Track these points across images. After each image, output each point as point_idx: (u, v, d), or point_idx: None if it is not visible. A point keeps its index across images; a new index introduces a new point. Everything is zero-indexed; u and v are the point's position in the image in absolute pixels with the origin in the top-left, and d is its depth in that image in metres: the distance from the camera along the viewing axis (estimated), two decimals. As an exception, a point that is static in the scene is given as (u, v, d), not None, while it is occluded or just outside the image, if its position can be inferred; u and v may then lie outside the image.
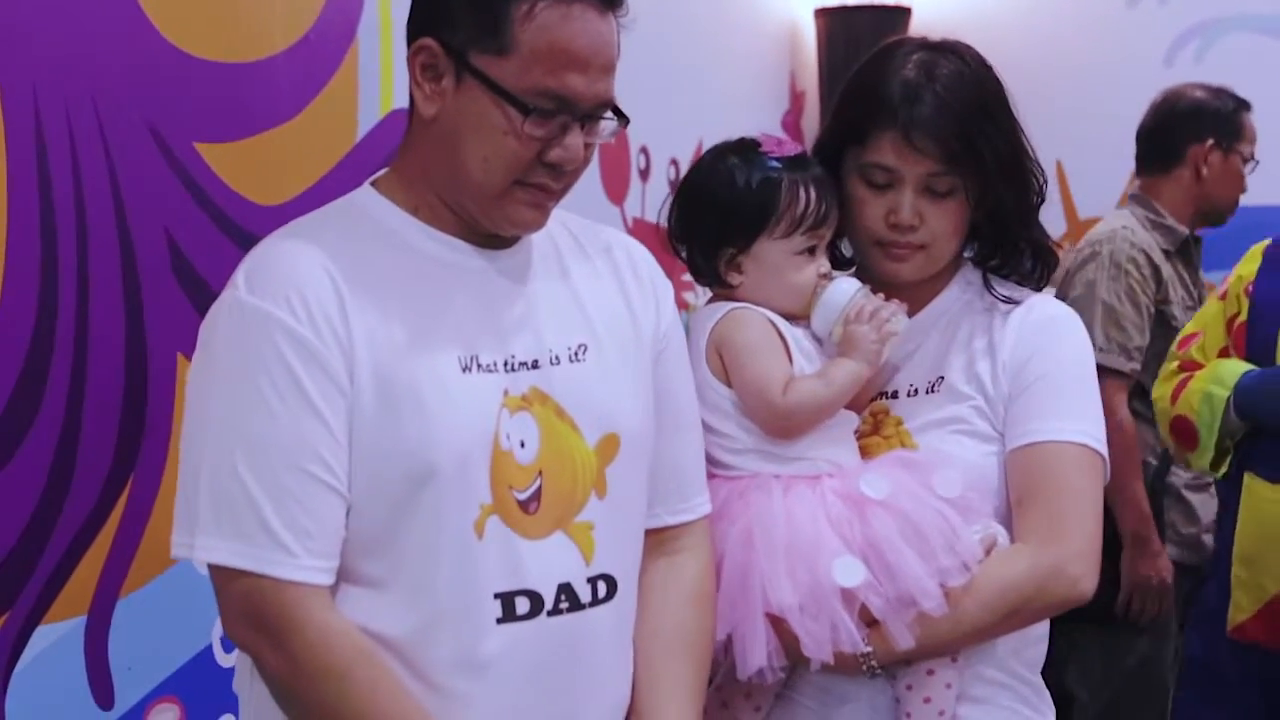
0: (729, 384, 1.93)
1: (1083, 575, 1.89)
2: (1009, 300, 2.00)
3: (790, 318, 1.96)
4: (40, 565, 2.01)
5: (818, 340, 1.97)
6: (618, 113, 1.67)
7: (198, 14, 2.26)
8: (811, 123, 4.86)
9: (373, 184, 1.74)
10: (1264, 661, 2.61)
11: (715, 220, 1.95)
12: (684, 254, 2.01)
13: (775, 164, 1.93)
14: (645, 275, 1.83)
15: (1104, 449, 1.95)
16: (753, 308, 1.94)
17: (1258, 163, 3.63)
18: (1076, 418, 1.94)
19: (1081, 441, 1.92)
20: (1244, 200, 3.69)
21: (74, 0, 2.04)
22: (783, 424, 1.90)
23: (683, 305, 3.96)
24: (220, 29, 2.30)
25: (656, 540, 1.82)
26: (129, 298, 2.14)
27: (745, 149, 1.97)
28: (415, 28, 1.66)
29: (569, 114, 1.62)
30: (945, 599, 1.82)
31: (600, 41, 1.62)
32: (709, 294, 2.04)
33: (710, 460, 1.92)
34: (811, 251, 1.95)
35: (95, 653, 2.11)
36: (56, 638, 2.04)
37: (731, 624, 1.85)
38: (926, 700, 1.88)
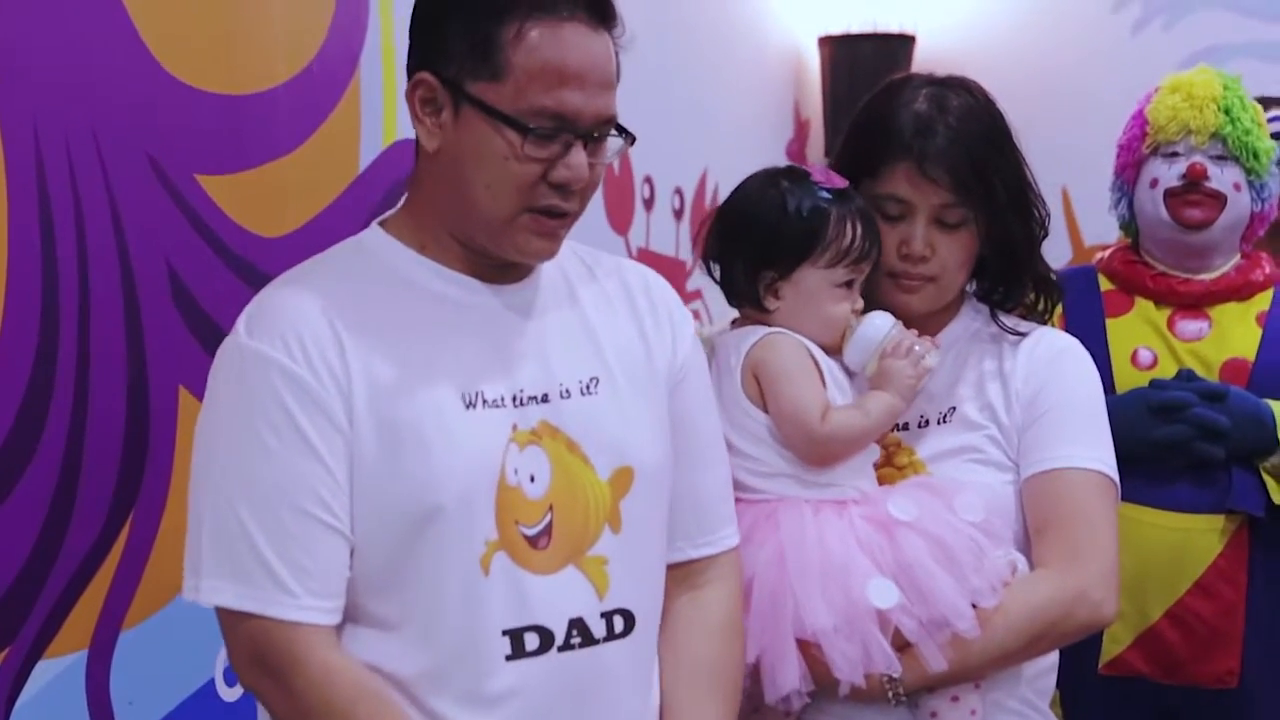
0: (764, 408, 1.93)
1: (1104, 599, 1.91)
2: (1015, 332, 2.01)
3: (820, 349, 1.97)
4: (41, 599, 2.00)
5: (846, 373, 1.98)
6: (622, 130, 1.67)
7: (198, 46, 2.25)
8: (816, 151, 4.86)
9: (380, 223, 1.74)
10: (1141, 691, 2.58)
11: (761, 242, 1.96)
12: (719, 273, 2.01)
13: (826, 194, 1.95)
14: (660, 303, 1.82)
15: (1115, 476, 1.97)
16: (789, 333, 1.95)
17: None
18: (1090, 445, 1.96)
19: (1097, 469, 1.95)
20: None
21: (74, 32, 2.03)
22: (820, 451, 1.91)
23: (689, 334, 3.96)
24: (221, 61, 2.30)
25: (681, 574, 1.80)
26: (130, 330, 2.13)
27: (797, 176, 1.98)
28: (412, 63, 1.66)
29: (570, 132, 1.61)
30: (976, 621, 1.82)
31: (594, 57, 1.62)
32: (714, 321, 2.03)
33: (737, 484, 1.92)
34: (849, 285, 1.96)
35: (97, 687, 2.09)
36: (58, 672, 2.02)
37: (761, 646, 1.84)
38: None
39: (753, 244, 1.96)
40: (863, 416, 1.91)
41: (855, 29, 4.82)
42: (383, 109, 2.69)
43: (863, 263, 1.95)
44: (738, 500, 1.90)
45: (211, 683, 2.27)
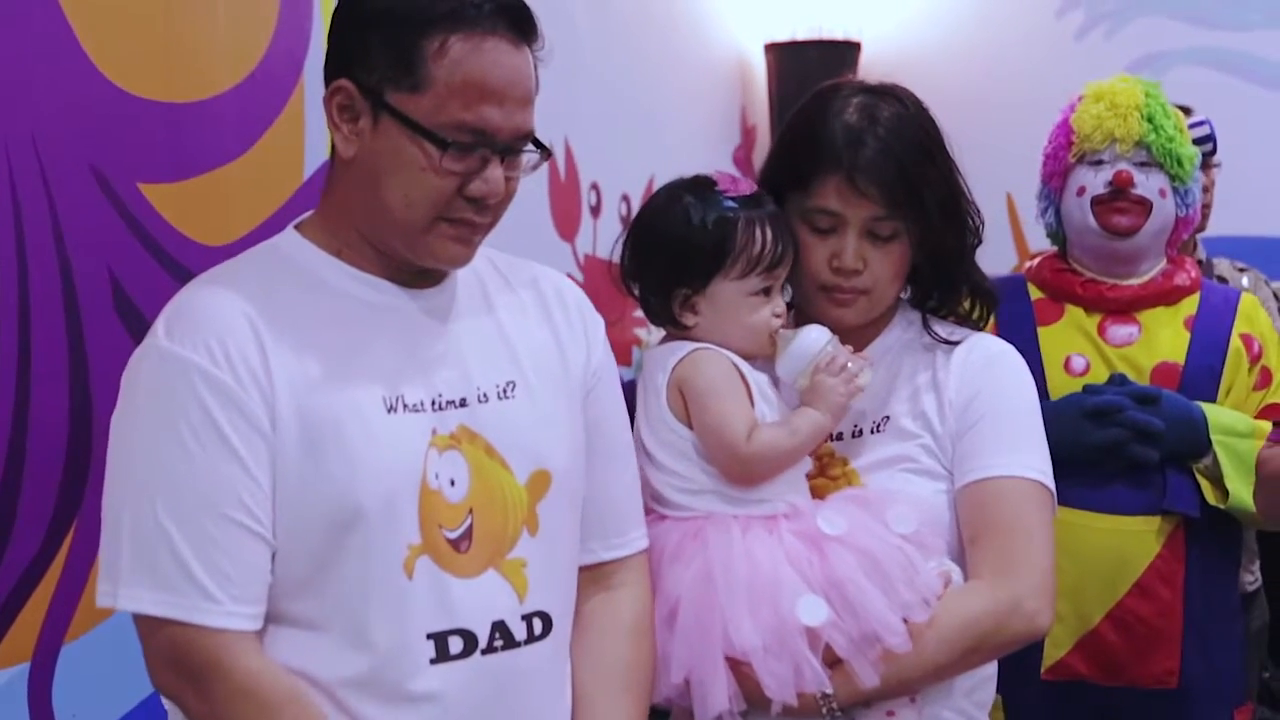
0: (689, 425, 1.91)
1: (1039, 610, 1.89)
2: (948, 341, 2.01)
3: (747, 359, 1.95)
4: (-18, 611, 1.99)
5: (774, 384, 1.96)
6: (539, 145, 1.67)
7: (139, 53, 2.25)
8: (763, 156, 4.80)
9: (296, 227, 1.74)
10: (1083, 694, 2.59)
11: (669, 260, 1.93)
12: (636, 293, 1.99)
13: (731, 203, 1.92)
14: (574, 309, 1.84)
15: (1051, 483, 1.96)
16: (715, 349, 1.93)
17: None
18: (1024, 452, 1.95)
19: (1030, 476, 1.93)
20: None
21: (13, 40, 2.02)
22: (745, 471, 1.89)
23: (636, 341, 3.96)
24: (163, 68, 2.29)
25: (592, 576, 1.82)
26: (72, 340, 2.12)
27: (700, 187, 1.95)
28: (331, 69, 1.66)
29: (488, 147, 1.62)
30: (908, 635, 1.81)
31: (515, 74, 1.63)
32: (660, 332, 2.03)
33: (662, 501, 1.92)
34: (767, 292, 1.94)
35: (39, 700, 2.08)
36: (0, 685, 2.02)
37: (688, 667, 1.83)
38: None
39: (662, 262, 1.94)
40: (789, 435, 1.89)
41: (801, 36, 4.84)
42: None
43: (777, 268, 1.92)
44: (664, 518, 1.90)
45: (155, 695, 2.25)
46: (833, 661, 1.83)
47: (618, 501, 1.85)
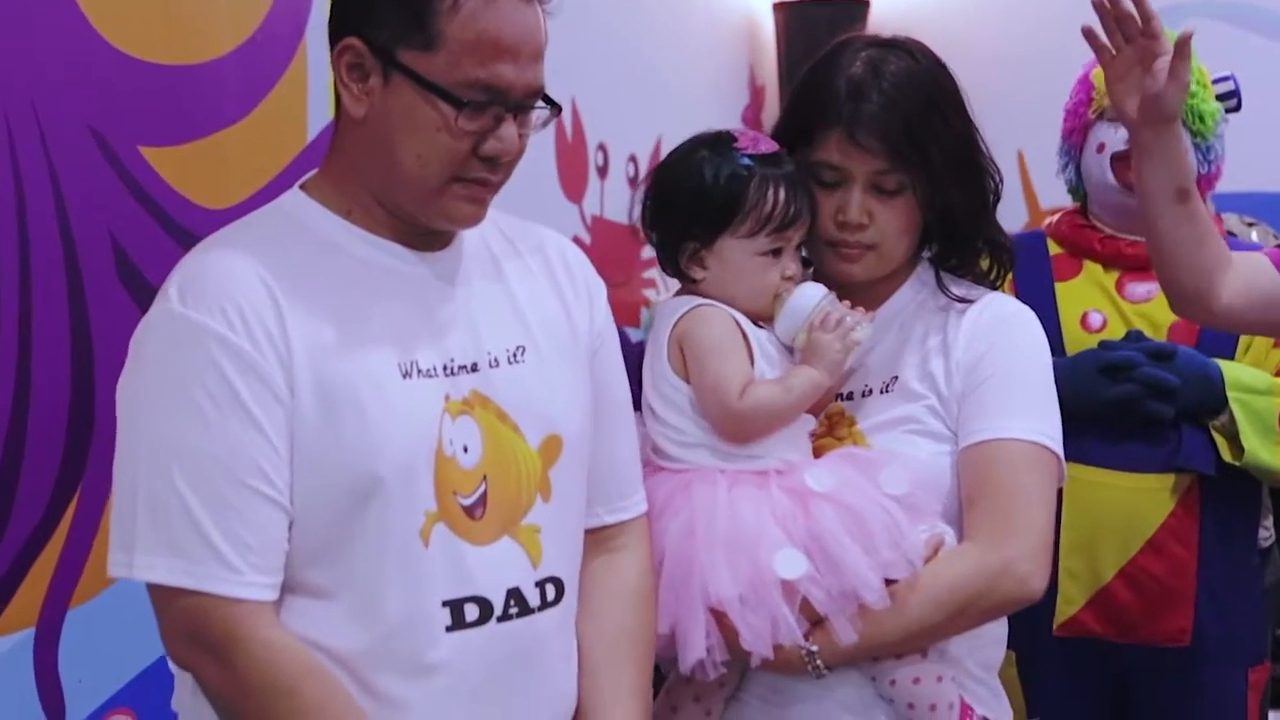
0: (688, 379, 1.91)
1: (1031, 574, 1.87)
2: (963, 300, 1.99)
3: (755, 318, 1.94)
4: (-13, 577, 1.99)
5: (785, 346, 1.95)
6: (549, 101, 1.65)
7: (140, 16, 2.22)
8: (771, 117, 4.78)
9: (302, 187, 1.71)
10: (1096, 651, 2.59)
11: (680, 212, 1.93)
12: (655, 240, 1.99)
13: (747, 160, 1.91)
14: (579, 274, 1.82)
15: (1057, 446, 1.93)
16: (719, 305, 1.92)
17: None
18: (1027, 415, 1.92)
19: (1032, 439, 1.91)
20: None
21: (12, 4, 2.00)
22: (736, 428, 1.89)
23: (644, 302, 3.94)
24: (163, 31, 2.27)
25: (596, 539, 1.81)
26: (74, 305, 2.10)
27: (719, 142, 1.95)
28: (338, 27, 1.64)
29: (501, 105, 1.60)
30: (888, 593, 1.80)
31: (527, 28, 1.60)
32: (670, 293, 2.02)
33: (658, 452, 1.92)
34: (777, 254, 1.92)
35: (45, 665, 2.07)
36: (5, 650, 2.01)
37: (674, 617, 1.83)
38: (932, 708, 1.86)
39: (674, 214, 1.94)
40: (784, 392, 1.88)
41: (809, -7, 4.80)
42: (330, 79, 2.65)
43: (788, 230, 1.91)
44: (657, 470, 1.90)
45: (163, 659, 2.23)
46: (817, 620, 1.82)
47: (621, 464, 1.84)
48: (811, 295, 1.91)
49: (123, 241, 2.18)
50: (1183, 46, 1.98)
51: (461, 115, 1.58)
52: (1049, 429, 1.93)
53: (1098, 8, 2.02)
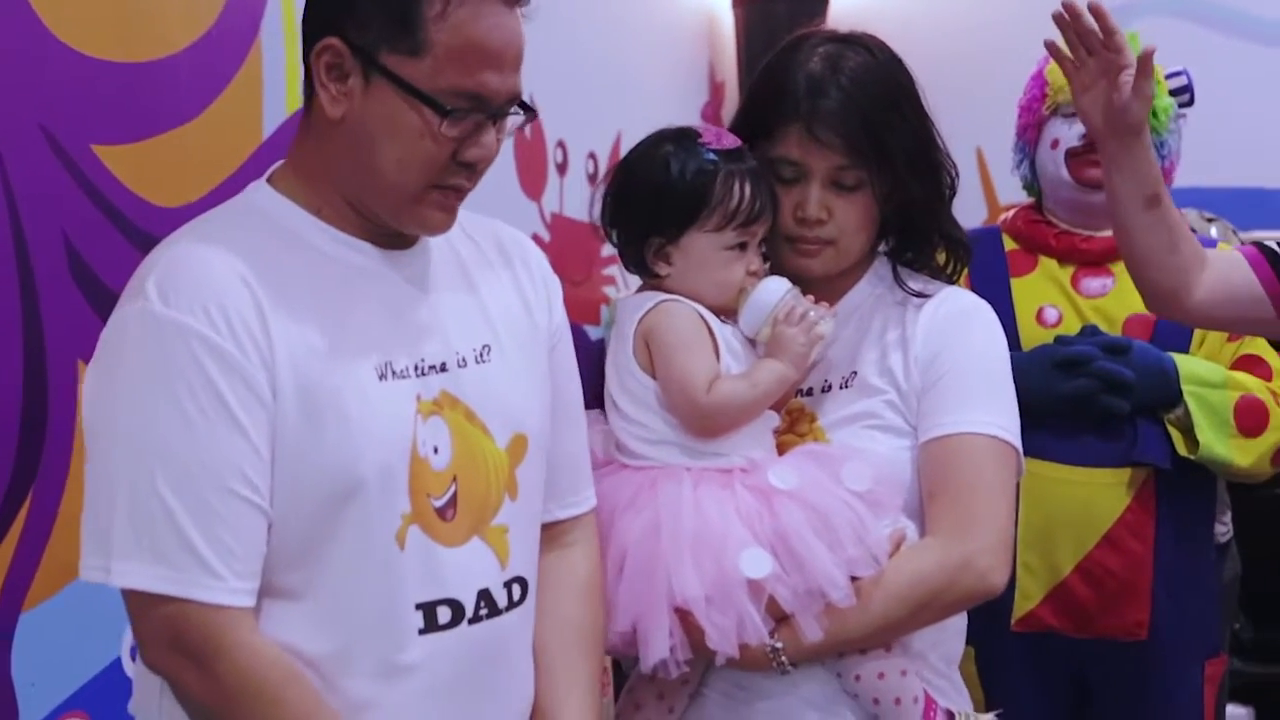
0: (654, 375, 1.91)
1: (992, 568, 1.87)
2: (920, 294, 2.00)
3: (719, 313, 1.94)
4: (-60, 581, 1.96)
5: (749, 340, 1.95)
6: (525, 106, 1.65)
7: (92, 13, 2.20)
8: (731, 113, 4.81)
9: (269, 181, 1.69)
10: (1054, 646, 2.59)
11: (646, 207, 1.93)
12: (614, 239, 1.98)
13: (712, 156, 1.91)
14: (537, 271, 1.82)
15: (1016, 440, 1.94)
16: (684, 301, 1.92)
17: None
18: (986, 409, 1.93)
19: (991, 433, 1.91)
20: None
21: (-40, 1, 1.98)
22: (704, 423, 1.89)
23: (604, 300, 3.94)
24: (116, 28, 2.25)
25: (549, 535, 1.80)
26: (26, 306, 2.08)
27: (684, 137, 1.95)
28: (317, 26, 1.61)
29: (484, 112, 1.59)
30: (853, 591, 1.80)
31: (511, 36, 1.60)
32: (630, 290, 2.02)
33: (622, 449, 1.92)
34: (742, 248, 1.93)
35: (-2, 669, 2.06)
36: (-42, 655, 2.00)
37: (635, 615, 1.83)
38: (897, 701, 1.87)
39: (639, 209, 1.93)
40: (750, 387, 1.88)
41: (769, -11, 4.79)
42: (285, 75, 2.64)
43: (753, 224, 1.92)
44: (620, 467, 1.89)
45: (118, 661, 2.24)
46: (781, 617, 1.82)
47: (573, 460, 1.83)
48: (775, 289, 1.92)
49: (75, 240, 2.16)
50: (1145, 63, 2.00)
51: (445, 122, 1.56)
52: (1008, 423, 1.93)
53: (1058, 21, 2.03)
